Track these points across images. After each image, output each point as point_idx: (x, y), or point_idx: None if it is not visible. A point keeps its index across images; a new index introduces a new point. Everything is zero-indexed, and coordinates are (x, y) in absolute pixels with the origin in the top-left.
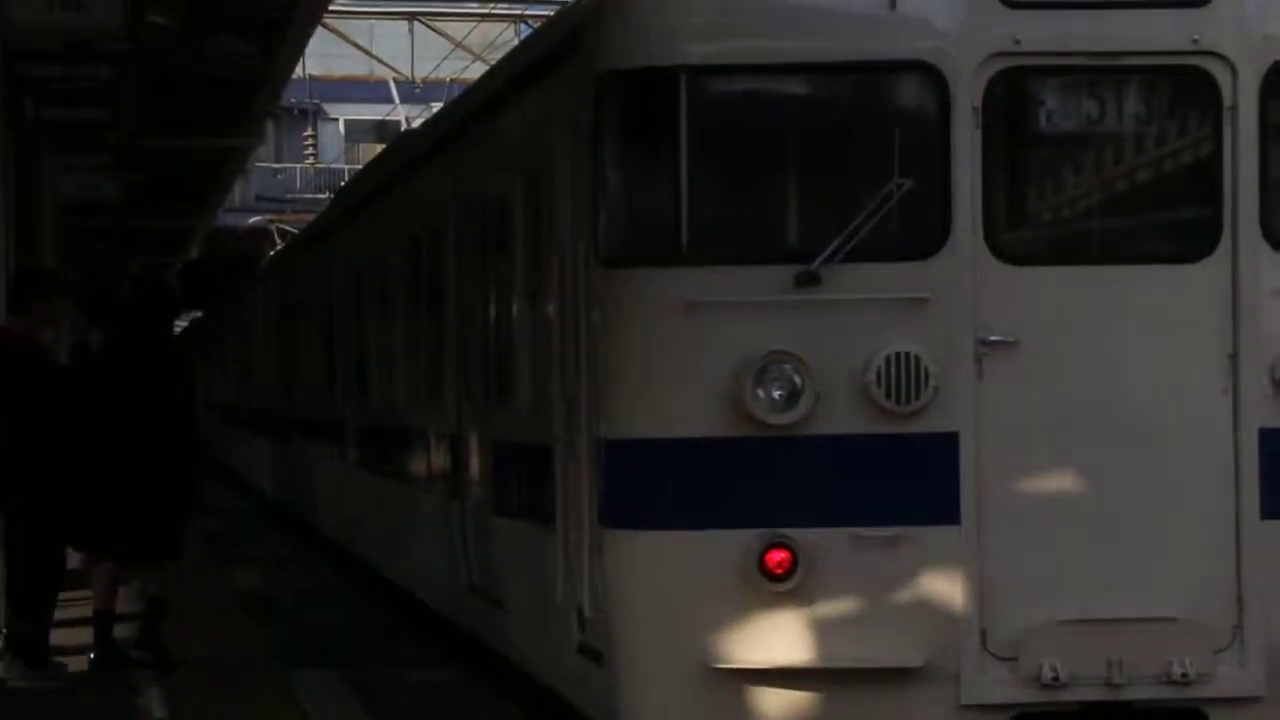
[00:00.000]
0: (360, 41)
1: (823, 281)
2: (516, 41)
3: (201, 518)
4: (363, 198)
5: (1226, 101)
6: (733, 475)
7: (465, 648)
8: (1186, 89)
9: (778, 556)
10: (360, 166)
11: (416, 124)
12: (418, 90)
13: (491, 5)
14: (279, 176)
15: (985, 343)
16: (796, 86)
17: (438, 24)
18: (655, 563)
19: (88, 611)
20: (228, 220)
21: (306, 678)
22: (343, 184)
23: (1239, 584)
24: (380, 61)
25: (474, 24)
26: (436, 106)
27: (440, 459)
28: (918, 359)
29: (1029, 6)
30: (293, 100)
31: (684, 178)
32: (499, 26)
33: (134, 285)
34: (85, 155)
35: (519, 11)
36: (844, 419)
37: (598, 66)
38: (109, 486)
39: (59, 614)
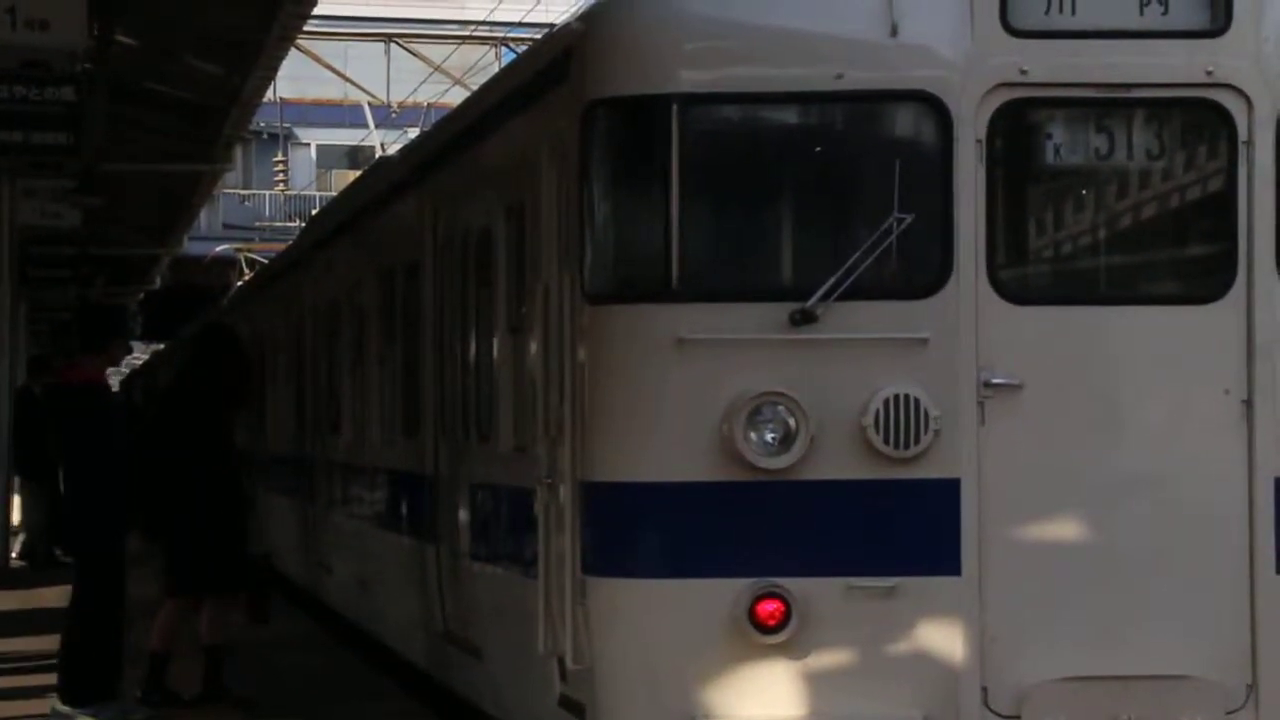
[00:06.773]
0: (334, 63)
1: (819, 320)
2: (498, 65)
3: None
4: (336, 226)
5: (1241, 135)
6: (723, 521)
7: (438, 698)
8: (1199, 122)
9: (769, 607)
10: (332, 193)
11: (392, 150)
12: (393, 115)
13: (472, 28)
14: (247, 203)
15: (988, 385)
16: (793, 116)
17: (415, 46)
18: (641, 612)
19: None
20: (193, 249)
21: None
22: (314, 212)
23: (1253, 641)
24: (354, 85)
25: (454, 47)
26: (413, 132)
27: (415, 501)
28: (917, 402)
29: (1036, 35)
30: (262, 124)
31: (674, 210)
32: (479, 50)
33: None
34: (45, 180)
35: (501, 35)
36: (840, 464)
37: (586, 93)
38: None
39: None
